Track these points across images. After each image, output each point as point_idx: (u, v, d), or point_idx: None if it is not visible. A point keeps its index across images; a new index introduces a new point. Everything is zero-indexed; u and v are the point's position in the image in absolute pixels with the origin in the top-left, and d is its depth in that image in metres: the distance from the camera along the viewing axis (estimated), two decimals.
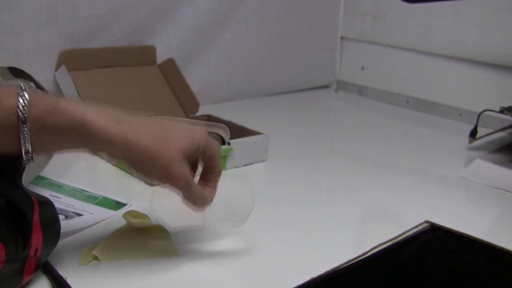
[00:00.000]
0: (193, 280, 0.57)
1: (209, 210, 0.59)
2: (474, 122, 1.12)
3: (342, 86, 1.55)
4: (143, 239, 0.61)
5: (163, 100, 1.09)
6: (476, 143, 1.11)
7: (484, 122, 1.12)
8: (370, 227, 0.77)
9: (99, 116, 0.46)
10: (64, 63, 0.97)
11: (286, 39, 1.40)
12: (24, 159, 0.45)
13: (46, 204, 0.52)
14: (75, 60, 1.00)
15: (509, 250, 0.68)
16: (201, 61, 1.24)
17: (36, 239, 0.50)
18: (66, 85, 0.95)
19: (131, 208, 0.72)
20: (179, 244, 0.62)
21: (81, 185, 0.78)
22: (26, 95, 0.43)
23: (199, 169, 0.58)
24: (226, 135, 0.85)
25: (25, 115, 0.43)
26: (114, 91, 1.03)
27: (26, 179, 0.68)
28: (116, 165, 0.87)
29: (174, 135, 0.52)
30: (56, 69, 0.98)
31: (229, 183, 0.62)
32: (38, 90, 0.40)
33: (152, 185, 0.79)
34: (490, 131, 1.11)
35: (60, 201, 0.72)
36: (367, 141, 1.15)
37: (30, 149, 0.44)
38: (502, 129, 1.11)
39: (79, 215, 0.69)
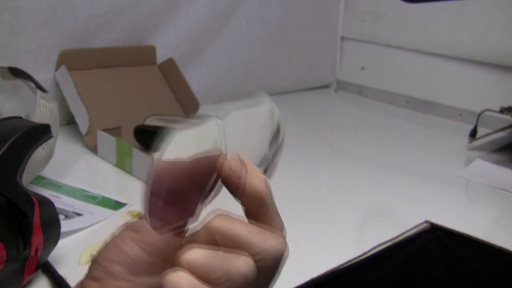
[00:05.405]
0: None
1: None
2: (474, 122, 1.12)
3: (342, 86, 1.55)
4: None
5: (163, 100, 1.09)
6: (476, 143, 1.11)
7: (484, 122, 1.12)
8: (370, 227, 0.77)
9: None
10: (64, 63, 0.96)
11: (286, 39, 1.39)
12: None
13: (46, 204, 0.52)
14: (75, 60, 1.00)
15: (509, 250, 0.68)
16: (201, 61, 1.24)
17: (36, 239, 0.50)
18: (66, 85, 0.95)
19: (131, 208, 0.72)
20: None
21: (81, 185, 0.78)
22: None
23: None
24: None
25: None
26: (114, 91, 1.03)
27: (26, 179, 0.68)
28: (116, 165, 0.87)
29: None
30: (56, 69, 0.98)
31: None
32: None
33: None
34: (490, 131, 1.11)
35: (60, 201, 0.72)
36: (367, 141, 1.15)
37: None
38: (502, 129, 1.11)
39: (79, 215, 0.69)
